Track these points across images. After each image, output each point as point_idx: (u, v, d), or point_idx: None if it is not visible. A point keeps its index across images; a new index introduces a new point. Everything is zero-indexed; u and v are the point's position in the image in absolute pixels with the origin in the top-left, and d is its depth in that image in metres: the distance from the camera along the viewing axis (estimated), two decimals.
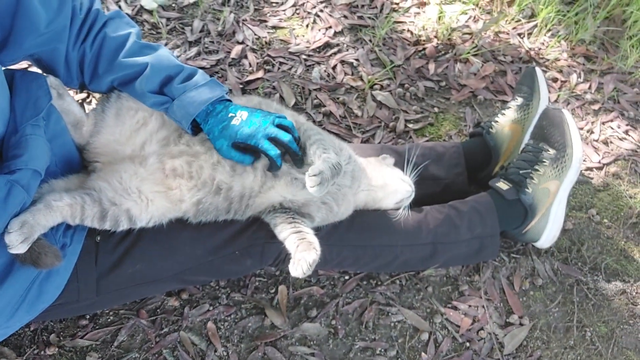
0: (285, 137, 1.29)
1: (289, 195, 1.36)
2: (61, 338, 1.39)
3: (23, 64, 1.73)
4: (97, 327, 1.41)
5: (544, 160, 1.58)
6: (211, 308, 1.47)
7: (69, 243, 1.24)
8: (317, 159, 1.32)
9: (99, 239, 1.28)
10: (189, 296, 1.49)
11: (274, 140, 1.28)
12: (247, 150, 1.29)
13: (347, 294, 1.54)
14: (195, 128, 1.35)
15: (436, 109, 1.99)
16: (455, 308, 1.55)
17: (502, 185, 1.59)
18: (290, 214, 1.35)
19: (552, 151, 1.58)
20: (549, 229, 1.60)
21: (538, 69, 1.77)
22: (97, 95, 1.67)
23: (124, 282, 1.30)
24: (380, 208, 1.52)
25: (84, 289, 1.27)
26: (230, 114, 1.31)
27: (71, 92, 1.80)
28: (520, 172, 1.58)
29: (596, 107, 2.08)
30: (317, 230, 1.38)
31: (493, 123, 1.73)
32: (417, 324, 1.50)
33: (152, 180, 1.30)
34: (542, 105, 1.73)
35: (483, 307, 1.55)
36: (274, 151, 1.28)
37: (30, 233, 1.11)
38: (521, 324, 1.54)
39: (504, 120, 1.73)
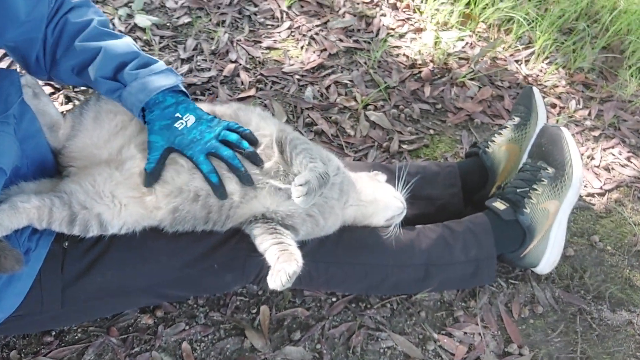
0: (226, 152, 1.23)
1: (272, 206, 1.29)
2: (22, 355, 1.28)
3: None
4: (62, 344, 1.31)
5: (543, 179, 1.51)
6: (187, 327, 1.37)
7: (33, 247, 1.16)
8: (304, 169, 1.25)
9: (67, 244, 1.20)
10: (164, 314, 1.39)
11: (214, 155, 1.22)
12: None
13: (334, 316, 1.44)
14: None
15: (431, 131, 1.94)
16: (449, 335, 1.44)
17: (499, 205, 1.51)
18: (273, 224, 1.27)
19: (550, 170, 1.52)
20: (548, 253, 1.52)
21: (535, 89, 1.72)
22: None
23: (92, 293, 1.21)
24: (370, 225, 1.44)
25: (47, 299, 1.18)
26: (176, 114, 1.25)
27: (57, 104, 1.76)
28: (518, 191, 1.51)
29: (596, 133, 2.02)
30: (303, 245, 1.30)
31: (489, 143, 1.67)
32: (409, 351, 1.40)
33: (127, 184, 1.23)
34: (539, 125, 1.67)
35: (480, 334, 1.45)
36: (206, 166, 1.21)
37: None
38: (521, 354, 1.43)
39: (501, 140, 1.67)
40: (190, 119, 1.26)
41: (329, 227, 1.37)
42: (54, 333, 1.32)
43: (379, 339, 1.41)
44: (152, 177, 1.21)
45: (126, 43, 1.32)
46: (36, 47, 1.25)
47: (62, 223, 1.16)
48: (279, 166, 1.29)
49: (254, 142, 1.29)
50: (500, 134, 1.69)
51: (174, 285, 1.28)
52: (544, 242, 1.51)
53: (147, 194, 1.22)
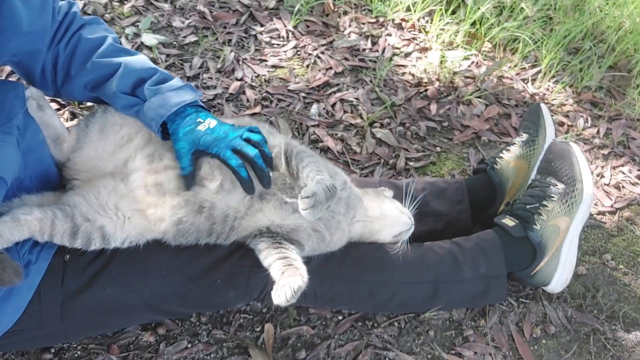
0: (252, 151, 1.22)
1: (278, 220, 1.26)
2: None
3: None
4: None
5: (552, 195, 1.48)
6: (189, 345, 1.33)
7: (34, 260, 1.13)
8: (310, 181, 1.23)
9: (68, 257, 1.17)
10: (166, 331, 1.35)
11: (239, 152, 1.22)
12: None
13: (340, 335, 1.40)
14: (165, 133, 1.29)
15: (438, 149, 1.92)
16: (459, 355, 1.40)
17: (508, 221, 1.48)
18: (278, 239, 1.25)
19: (560, 186, 1.49)
20: (560, 271, 1.48)
21: (543, 105, 1.71)
22: None
23: (92, 308, 1.18)
24: (377, 241, 1.41)
25: (46, 313, 1.15)
26: (198, 119, 1.25)
27: (62, 121, 1.76)
28: (527, 207, 1.48)
29: (605, 151, 2.00)
30: (308, 261, 1.27)
31: (497, 159, 1.65)
32: None
33: (132, 197, 1.21)
34: (548, 141, 1.65)
35: (490, 354, 1.41)
36: (235, 160, 1.20)
37: None
38: None
39: (509, 157, 1.64)
40: (212, 122, 1.26)
41: (335, 242, 1.34)
42: (53, 350, 1.29)
43: (387, 359, 1.37)
44: (189, 179, 1.22)
45: (143, 59, 1.33)
46: (40, 61, 1.25)
47: (64, 235, 1.14)
48: (285, 179, 1.28)
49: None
50: (508, 150, 1.67)
51: (176, 301, 1.25)
52: (555, 260, 1.47)
53: (154, 206, 1.20)
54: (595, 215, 1.79)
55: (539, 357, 1.42)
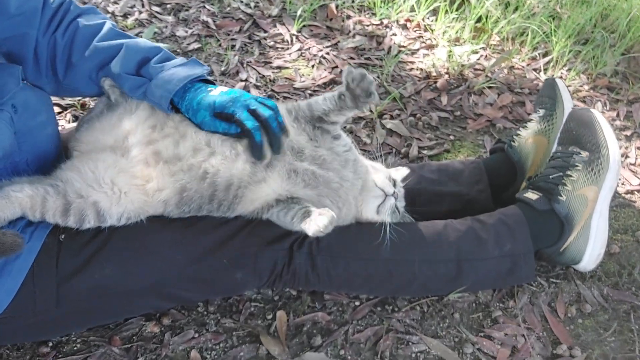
0: (267, 112, 1.16)
1: (284, 192, 1.18)
2: None
3: None
4: (60, 355, 1.19)
5: (577, 164, 1.39)
6: (197, 335, 1.24)
7: (27, 240, 1.07)
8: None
9: (63, 237, 1.11)
10: (171, 322, 1.26)
11: (253, 112, 1.15)
12: (230, 120, 1.15)
13: (358, 320, 1.30)
14: (174, 110, 1.24)
15: (452, 137, 1.85)
16: (489, 337, 1.29)
17: (531, 195, 1.39)
18: (293, 199, 1.17)
19: (584, 153, 1.40)
20: (591, 245, 1.38)
21: (558, 79, 1.64)
22: None
23: (89, 291, 1.11)
24: (365, 219, 1.29)
25: (41, 297, 1.07)
26: (209, 89, 1.20)
27: (64, 122, 1.73)
28: (551, 177, 1.39)
29: (628, 132, 1.91)
30: (318, 240, 1.20)
31: (515, 137, 1.57)
32: (444, 355, 1.24)
33: (132, 172, 1.14)
34: (566, 114, 1.56)
35: (523, 336, 1.29)
36: (251, 122, 1.14)
37: None
38: (571, 356, 1.26)
39: (527, 133, 1.57)
40: (223, 88, 1.21)
41: (345, 216, 1.26)
42: (50, 344, 1.20)
43: (410, 343, 1.26)
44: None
45: (144, 40, 1.31)
46: (30, 47, 1.21)
47: (55, 213, 1.08)
48: (292, 144, 1.21)
49: None
50: (526, 127, 1.59)
51: (181, 284, 1.17)
52: (585, 234, 1.37)
53: (152, 179, 1.14)
54: (623, 194, 1.68)
55: (576, 337, 1.30)
